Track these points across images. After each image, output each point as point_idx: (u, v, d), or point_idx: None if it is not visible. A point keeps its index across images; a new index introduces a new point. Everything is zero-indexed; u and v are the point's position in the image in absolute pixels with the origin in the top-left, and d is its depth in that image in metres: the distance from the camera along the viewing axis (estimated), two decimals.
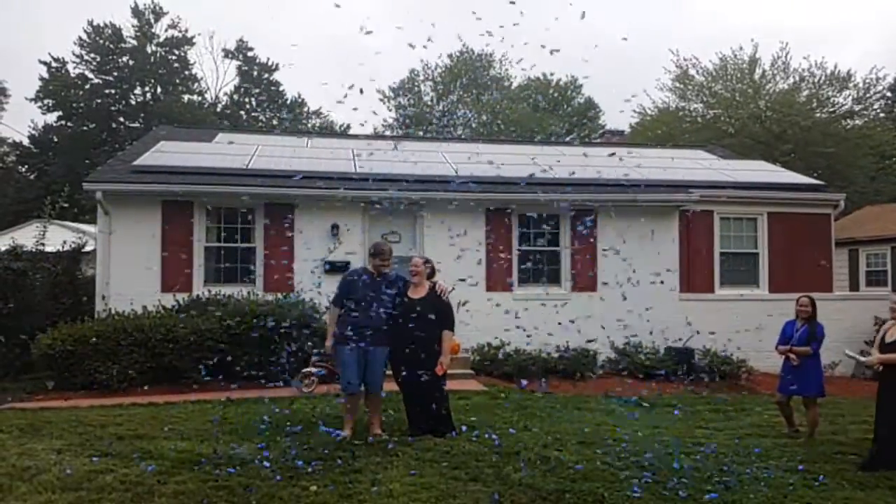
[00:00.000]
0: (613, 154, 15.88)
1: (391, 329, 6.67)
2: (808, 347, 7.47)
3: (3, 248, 12.21)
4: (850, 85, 31.36)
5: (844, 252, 20.02)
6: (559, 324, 12.17)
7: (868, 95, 31.69)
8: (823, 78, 31.40)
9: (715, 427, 8.07)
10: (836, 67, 31.38)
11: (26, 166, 36.68)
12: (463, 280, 8.90)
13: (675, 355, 11.87)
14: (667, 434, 7.47)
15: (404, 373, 6.59)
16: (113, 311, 10.60)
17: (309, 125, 43.29)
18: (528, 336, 11.95)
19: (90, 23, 37.13)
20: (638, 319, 12.51)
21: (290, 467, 5.41)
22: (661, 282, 12.69)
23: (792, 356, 7.59)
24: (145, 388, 9.55)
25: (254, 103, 43.99)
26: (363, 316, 6.59)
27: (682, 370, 11.63)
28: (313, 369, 9.78)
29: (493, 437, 6.79)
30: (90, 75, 37.34)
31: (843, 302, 13.79)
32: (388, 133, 41.36)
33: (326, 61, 64.74)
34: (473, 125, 43.49)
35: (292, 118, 42.70)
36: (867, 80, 31.32)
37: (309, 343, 10.00)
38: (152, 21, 38.32)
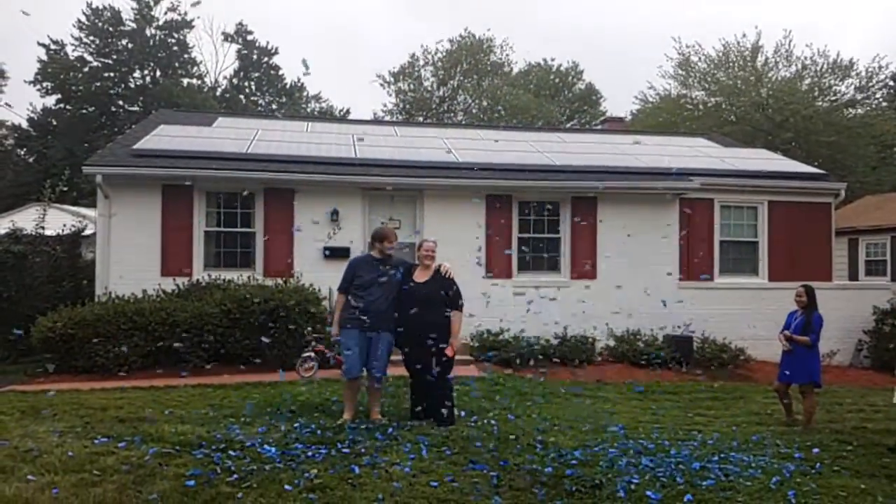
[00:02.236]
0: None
1: (399, 314, 6.67)
2: (806, 337, 7.49)
3: (3, 232, 12.20)
4: (853, 74, 31.26)
5: (844, 241, 20.04)
6: (557, 310, 12.26)
7: (870, 84, 31.59)
8: (826, 66, 31.29)
9: (713, 414, 8.11)
10: (838, 56, 31.35)
11: (25, 149, 36.57)
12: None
13: (674, 343, 11.90)
14: (664, 421, 7.52)
15: (413, 357, 6.58)
16: (113, 295, 10.62)
17: (308, 109, 43.15)
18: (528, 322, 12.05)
19: (89, 5, 36.91)
20: (637, 307, 12.58)
21: (291, 451, 5.43)
22: (669, 273, 12.78)
23: (784, 342, 7.63)
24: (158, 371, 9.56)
25: (253, 87, 43.80)
26: (368, 301, 6.60)
27: (680, 358, 11.67)
28: (313, 354, 9.81)
29: (493, 422, 6.83)
30: (89, 58, 37.13)
31: (843, 291, 13.81)
32: (387, 118, 41.24)
33: (325, 45, 64.52)
34: (474, 111, 43.35)
35: (291, 103, 42.53)
36: (870, 69, 31.24)
37: (309, 328, 10.04)
38: (151, 4, 38.07)
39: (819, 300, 7.78)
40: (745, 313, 12.95)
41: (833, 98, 31.68)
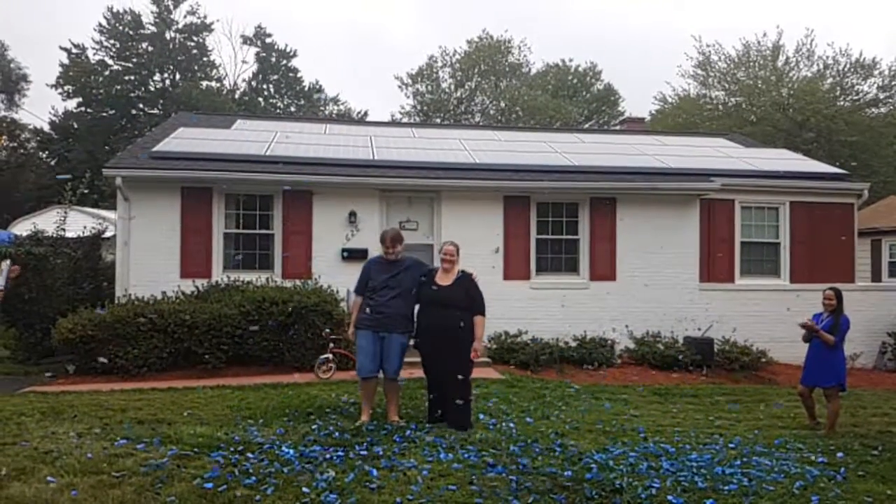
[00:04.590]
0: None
1: (421, 316, 6.62)
2: (830, 336, 7.38)
3: (25, 234, 12.33)
4: (876, 73, 30.85)
5: (867, 242, 19.71)
6: (576, 312, 12.21)
7: (894, 83, 31.13)
8: (848, 65, 30.92)
9: (734, 417, 8.00)
10: (861, 55, 30.96)
11: (47, 152, 36.99)
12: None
13: (694, 345, 11.77)
14: (685, 424, 7.43)
15: (434, 359, 6.53)
16: (133, 297, 10.68)
17: (326, 112, 43.27)
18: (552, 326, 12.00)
19: (110, 9, 37.30)
20: (657, 309, 12.50)
21: (309, 454, 5.42)
22: (690, 274, 12.67)
23: (809, 323, 7.50)
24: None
25: (272, 90, 44.01)
26: (379, 303, 6.64)
27: (701, 360, 11.55)
28: (331, 356, 9.81)
29: (511, 425, 6.79)
30: (110, 62, 37.51)
31: (866, 293, 13.61)
32: (405, 120, 41.29)
33: (344, 47, 64.78)
34: (492, 112, 43.29)
35: (309, 105, 42.68)
36: (893, 68, 30.81)
37: (327, 329, 10.05)
38: (171, 7, 38.39)
39: (843, 302, 7.65)
40: (767, 315, 12.81)
41: (855, 97, 31.29)
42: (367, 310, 6.70)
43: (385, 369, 6.71)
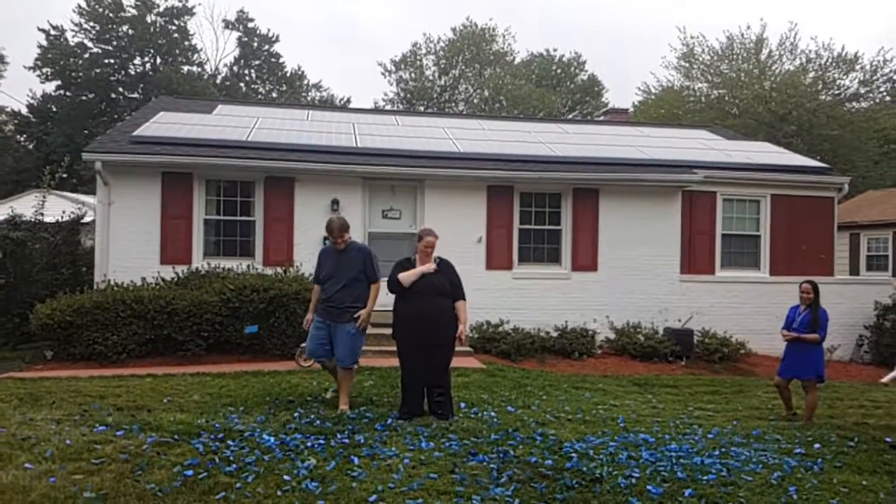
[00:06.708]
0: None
1: (404, 304, 6.55)
2: (815, 335, 7.43)
3: (2, 218, 12.15)
4: (857, 67, 31.12)
5: (846, 236, 19.99)
6: (557, 302, 12.26)
7: (874, 78, 31.46)
8: (830, 60, 31.15)
9: (713, 408, 8.08)
10: (843, 49, 31.19)
11: (25, 135, 36.42)
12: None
13: (674, 336, 11.87)
14: (664, 414, 7.49)
15: (418, 347, 6.44)
16: (112, 283, 10.57)
17: (308, 98, 42.97)
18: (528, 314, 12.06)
19: None
20: (638, 300, 12.58)
21: (289, 441, 5.40)
22: (671, 266, 12.75)
23: (788, 334, 7.55)
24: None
25: (253, 75, 43.62)
26: (328, 294, 6.72)
27: (681, 351, 11.65)
28: None
29: (492, 414, 6.81)
30: (89, 44, 36.94)
31: (844, 286, 13.78)
32: (388, 107, 41.10)
33: (327, 33, 64.26)
34: (475, 101, 43.21)
35: (291, 91, 42.35)
36: (874, 63, 31.11)
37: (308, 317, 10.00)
38: None
39: (821, 295, 7.72)
40: (746, 307, 12.95)
41: (837, 92, 31.55)
42: (321, 299, 6.82)
43: (337, 358, 6.73)
